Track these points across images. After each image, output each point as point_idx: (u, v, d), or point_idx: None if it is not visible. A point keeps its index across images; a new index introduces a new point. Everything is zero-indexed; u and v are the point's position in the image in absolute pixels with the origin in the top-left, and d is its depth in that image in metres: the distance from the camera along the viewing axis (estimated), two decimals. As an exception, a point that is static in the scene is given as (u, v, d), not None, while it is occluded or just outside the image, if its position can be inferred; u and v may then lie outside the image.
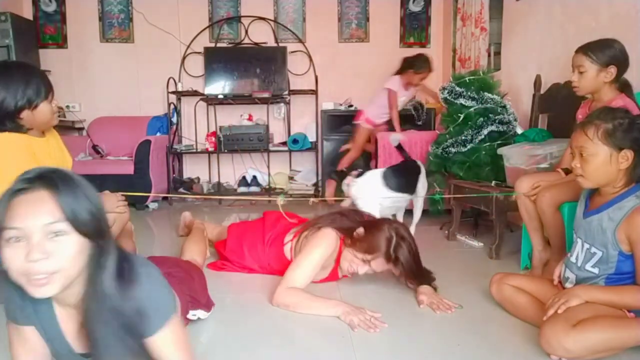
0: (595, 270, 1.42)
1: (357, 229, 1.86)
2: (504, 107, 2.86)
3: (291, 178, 4.75)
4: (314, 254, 1.81)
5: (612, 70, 1.86)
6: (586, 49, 1.89)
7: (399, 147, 2.92)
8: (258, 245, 2.14)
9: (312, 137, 4.70)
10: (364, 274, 1.87)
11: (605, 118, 1.37)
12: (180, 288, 1.36)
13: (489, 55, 3.73)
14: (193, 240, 2.26)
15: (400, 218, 2.80)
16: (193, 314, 1.49)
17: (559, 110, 2.60)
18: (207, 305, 1.57)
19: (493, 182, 2.64)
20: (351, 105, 4.53)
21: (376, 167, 3.46)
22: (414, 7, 4.85)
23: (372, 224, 1.88)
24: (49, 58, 4.56)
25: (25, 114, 1.68)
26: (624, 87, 1.93)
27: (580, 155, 1.40)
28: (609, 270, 1.39)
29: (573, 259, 1.50)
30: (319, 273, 1.90)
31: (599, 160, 1.37)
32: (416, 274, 1.82)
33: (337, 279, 2.02)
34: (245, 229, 2.27)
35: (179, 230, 2.95)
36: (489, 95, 2.84)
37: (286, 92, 4.63)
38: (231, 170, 4.85)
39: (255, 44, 4.76)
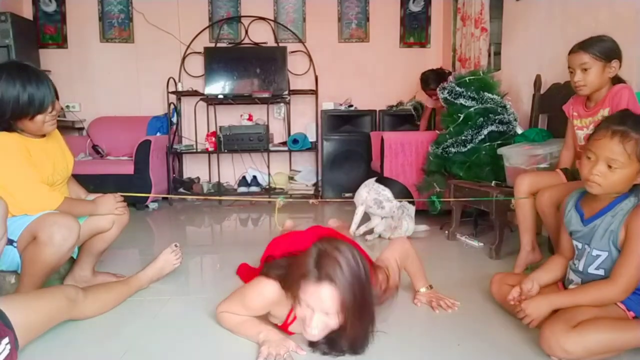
0: (601, 272, 1.41)
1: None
2: (504, 107, 2.86)
3: (291, 178, 4.75)
4: (245, 300, 1.49)
5: (615, 64, 1.86)
6: (586, 47, 1.88)
7: None
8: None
9: (312, 137, 4.70)
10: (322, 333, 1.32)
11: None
12: None
13: (489, 55, 3.73)
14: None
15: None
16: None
17: (559, 110, 2.59)
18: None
19: (493, 182, 2.64)
20: (351, 105, 4.54)
21: (381, 167, 3.43)
22: (414, 7, 4.85)
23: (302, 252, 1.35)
24: (49, 58, 4.57)
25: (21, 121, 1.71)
26: (619, 83, 1.94)
27: (607, 165, 1.33)
28: None
29: (576, 265, 1.49)
30: (270, 317, 1.54)
31: (627, 174, 1.32)
32: (359, 310, 1.25)
33: (292, 334, 1.50)
34: (289, 235, 1.93)
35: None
36: (489, 95, 2.85)
37: (286, 92, 4.63)
38: (231, 170, 4.85)
39: (255, 44, 4.76)
